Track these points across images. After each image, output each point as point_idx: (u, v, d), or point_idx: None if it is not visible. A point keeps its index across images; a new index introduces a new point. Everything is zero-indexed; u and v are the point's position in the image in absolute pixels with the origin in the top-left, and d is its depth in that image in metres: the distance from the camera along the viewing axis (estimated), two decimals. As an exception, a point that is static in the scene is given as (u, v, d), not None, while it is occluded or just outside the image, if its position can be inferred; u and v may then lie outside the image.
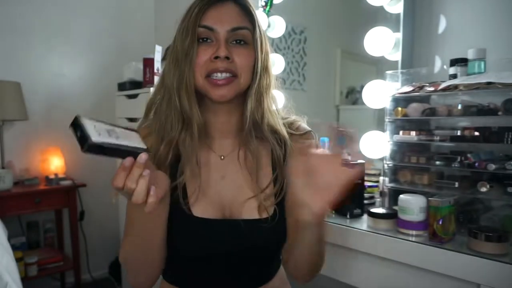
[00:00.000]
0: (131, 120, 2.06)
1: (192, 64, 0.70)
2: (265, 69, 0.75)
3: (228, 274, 0.73)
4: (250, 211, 0.72)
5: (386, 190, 1.09)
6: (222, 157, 0.76)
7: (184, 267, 0.75)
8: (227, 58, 0.68)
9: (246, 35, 0.71)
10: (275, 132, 0.76)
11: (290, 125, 0.80)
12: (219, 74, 0.68)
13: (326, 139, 1.32)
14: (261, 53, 0.73)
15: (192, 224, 0.71)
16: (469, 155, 0.92)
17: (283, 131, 0.77)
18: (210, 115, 0.75)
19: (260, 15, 1.70)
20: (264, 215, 0.71)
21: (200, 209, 0.72)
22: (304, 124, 0.82)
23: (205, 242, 0.71)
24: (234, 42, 0.71)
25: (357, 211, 1.08)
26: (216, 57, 0.69)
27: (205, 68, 0.69)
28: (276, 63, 1.74)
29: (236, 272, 0.74)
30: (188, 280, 0.76)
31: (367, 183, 1.19)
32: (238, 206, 0.73)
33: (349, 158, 0.73)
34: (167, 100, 0.73)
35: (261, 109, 0.74)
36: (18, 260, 1.77)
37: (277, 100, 0.79)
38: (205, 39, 0.70)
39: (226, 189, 0.74)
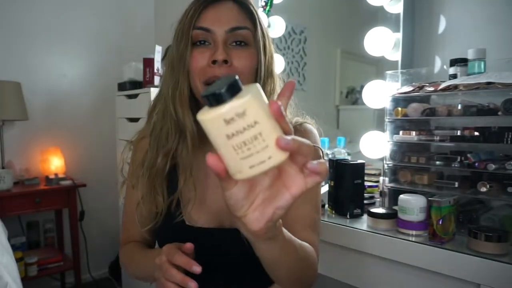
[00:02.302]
0: (131, 120, 2.05)
1: (186, 70, 0.66)
2: (270, 73, 0.70)
3: (227, 281, 0.72)
4: None
5: (386, 190, 1.09)
6: None
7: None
8: (225, 61, 0.63)
9: (246, 35, 0.66)
10: None
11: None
12: None
13: (326, 139, 1.32)
14: (264, 56, 0.68)
15: (188, 233, 0.70)
16: (469, 155, 0.92)
17: None
18: None
19: (261, 15, 1.70)
20: None
21: (196, 218, 0.71)
22: (306, 123, 0.77)
23: (201, 251, 0.70)
24: (234, 43, 0.65)
25: (357, 211, 1.08)
26: (214, 61, 0.63)
27: (203, 74, 0.65)
28: (276, 63, 1.74)
29: (235, 280, 0.73)
30: None
31: (367, 183, 1.19)
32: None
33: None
34: (163, 109, 0.70)
35: None
36: (18, 260, 1.77)
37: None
38: (202, 42, 0.65)
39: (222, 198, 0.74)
